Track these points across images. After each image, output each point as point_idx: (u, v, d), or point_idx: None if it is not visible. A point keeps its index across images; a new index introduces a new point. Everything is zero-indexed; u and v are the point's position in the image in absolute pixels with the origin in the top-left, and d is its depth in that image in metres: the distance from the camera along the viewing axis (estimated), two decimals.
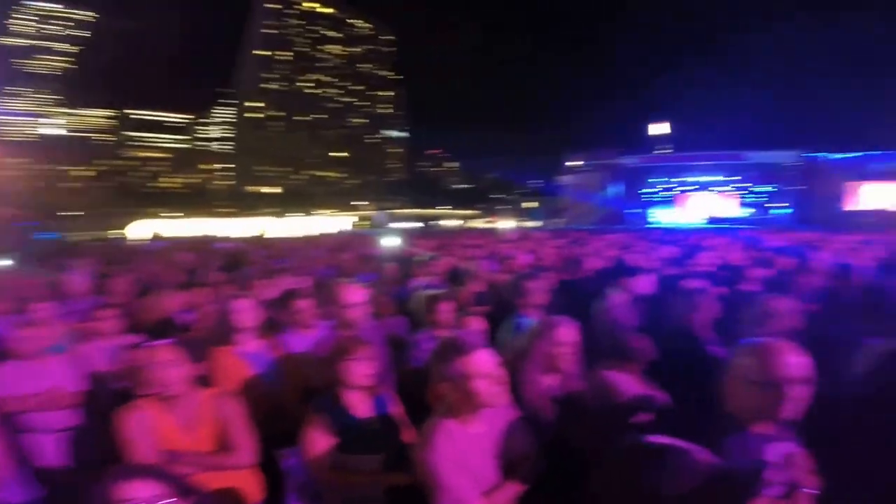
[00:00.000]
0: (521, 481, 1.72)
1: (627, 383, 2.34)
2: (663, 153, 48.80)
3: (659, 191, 46.72)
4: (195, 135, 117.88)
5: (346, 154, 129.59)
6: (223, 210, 79.69)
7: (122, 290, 4.41)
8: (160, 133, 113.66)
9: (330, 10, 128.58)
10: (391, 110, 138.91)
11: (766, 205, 42.60)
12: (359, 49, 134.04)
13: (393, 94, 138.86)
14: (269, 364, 2.75)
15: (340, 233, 32.65)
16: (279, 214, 58.14)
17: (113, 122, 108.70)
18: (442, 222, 72.41)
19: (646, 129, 50.98)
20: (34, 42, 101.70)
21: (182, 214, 63.63)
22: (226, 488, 2.02)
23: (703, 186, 45.27)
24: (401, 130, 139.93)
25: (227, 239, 19.92)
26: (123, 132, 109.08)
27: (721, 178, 44.68)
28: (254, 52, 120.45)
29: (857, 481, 1.58)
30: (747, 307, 2.60)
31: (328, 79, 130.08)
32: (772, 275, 4.25)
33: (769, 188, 42.85)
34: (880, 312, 2.69)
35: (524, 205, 65.74)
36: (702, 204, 43.83)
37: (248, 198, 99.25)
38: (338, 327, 2.89)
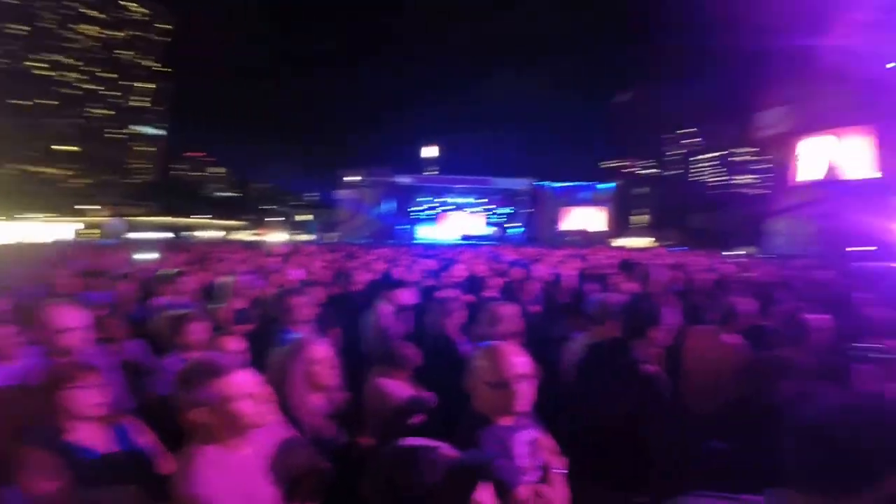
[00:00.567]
0: (308, 498, 1.68)
1: (399, 388, 2.45)
2: (431, 175, 54.05)
3: (425, 209, 51.72)
4: None
5: (75, 148, 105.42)
6: None
7: None
8: None
9: None
10: (148, 104, 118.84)
11: (505, 224, 51.51)
12: (122, 34, 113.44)
13: (154, 86, 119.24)
14: None
15: (57, 243, 26.03)
16: None
17: None
18: (199, 233, 64.48)
19: (418, 152, 55.64)
20: None
21: None
22: None
23: (460, 207, 52.16)
24: (156, 127, 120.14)
25: None
26: None
27: (473, 199, 52.23)
28: None
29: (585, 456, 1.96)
30: (483, 312, 3.02)
31: (70, 61, 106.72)
32: (505, 283, 5.06)
33: (508, 210, 51.97)
34: (581, 313, 3.44)
35: (298, 217, 63.56)
36: (458, 222, 50.44)
37: None
38: (49, 355, 2.42)
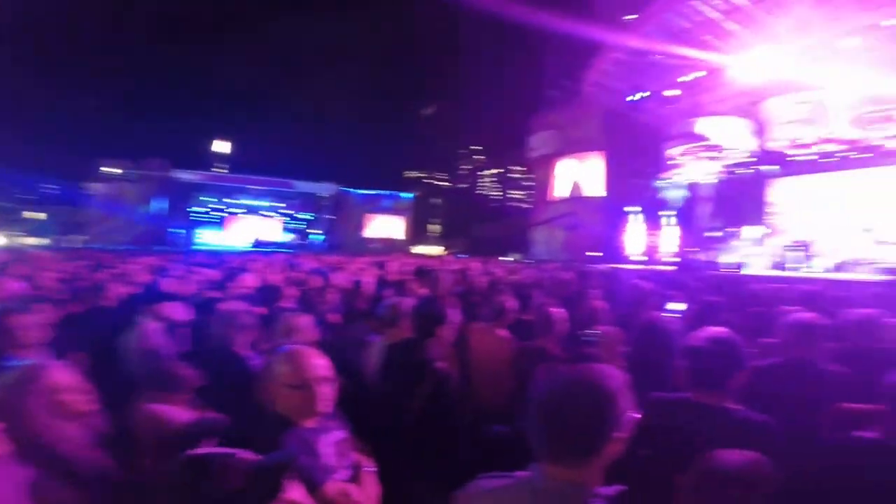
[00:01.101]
0: None
1: (175, 413, 2.19)
2: (219, 172, 48.09)
3: (209, 210, 45.66)
4: None
5: None
6: None
7: None
8: None
9: None
10: None
11: (305, 230, 48.74)
12: None
13: None
14: None
15: None
16: None
17: None
18: None
19: (208, 145, 48.69)
20: None
21: None
22: None
23: (252, 210, 47.47)
24: None
25: None
26: None
27: (268, 203, 48.17)
28: None
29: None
30: (277, 324, 2.93)
31: None
32: (303, 292, 4.92)
33: (309, 216, 49.42)
34: (375, 316, 3.57)
35: (26, 214, 48.73)
36: (249, 227, 45.52)
37: None
38: None
